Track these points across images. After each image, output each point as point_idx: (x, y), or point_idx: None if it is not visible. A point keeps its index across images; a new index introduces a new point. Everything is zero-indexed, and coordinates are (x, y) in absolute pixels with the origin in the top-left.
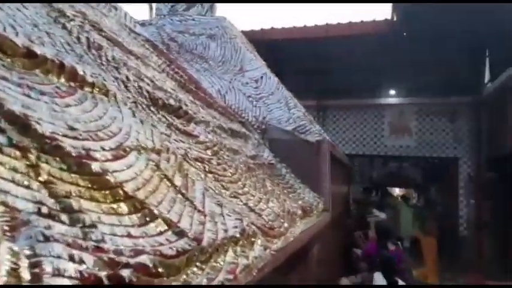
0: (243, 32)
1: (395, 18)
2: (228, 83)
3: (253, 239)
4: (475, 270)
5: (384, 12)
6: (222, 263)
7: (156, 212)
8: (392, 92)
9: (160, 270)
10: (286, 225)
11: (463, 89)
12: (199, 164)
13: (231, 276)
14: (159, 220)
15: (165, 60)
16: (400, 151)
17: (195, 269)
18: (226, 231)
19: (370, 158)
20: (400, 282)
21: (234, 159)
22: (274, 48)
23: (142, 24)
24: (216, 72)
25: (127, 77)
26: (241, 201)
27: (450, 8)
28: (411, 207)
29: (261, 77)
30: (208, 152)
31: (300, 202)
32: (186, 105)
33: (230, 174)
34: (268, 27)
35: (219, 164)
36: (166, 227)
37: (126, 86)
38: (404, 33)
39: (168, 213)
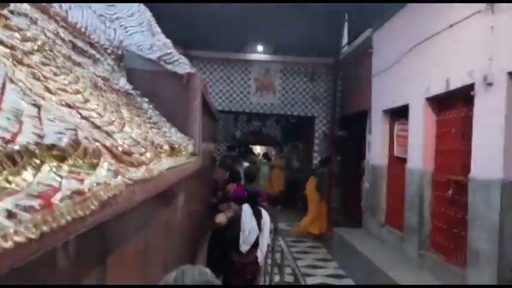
0: None
1: None
2: None
3: (95, 160)
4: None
5: None
6: (22, 183)
7: None
8: (259, 48)
9: None
10: (149, 155)
11: (323, 50)
12: (4, 49)
13: (36, 203)
14: None
15: None
16: (264, 109)
17: None
18: (40, 136)
19: (235, 115)
20: (263, 212)
21: (73, 69)
22: None
23: None
24: None
25: None
26: (80, 115)
27: None
28: (268, 165)
29: None
30: (28, 44)
31: (166, 138)
32: None
33: (66, 82)
34: None
35: (45, 64)
36: None
37: None
38: None
39: None
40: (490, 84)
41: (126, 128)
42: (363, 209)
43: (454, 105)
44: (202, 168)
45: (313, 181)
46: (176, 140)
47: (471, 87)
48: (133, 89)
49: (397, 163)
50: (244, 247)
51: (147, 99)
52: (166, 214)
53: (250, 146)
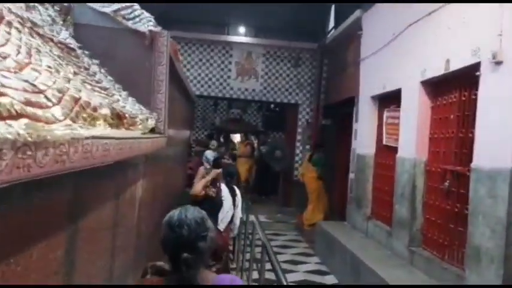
0: None
1: None
2: None
3: None
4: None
5: None
6: None
7: None
8: (241, 30)
9: None
10: (59, 112)
11: (309, 34)
12: None
13: None
14: None
15: None
16: (245, 94)
17: None
18: None
19: (215, 102)
20: (236, 190)
21: None
22: None
23: None
24: None
25: None
26: None
27: None
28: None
29: None
30: None
31: (115, 106)
32: None
33: None
34: None
35: None
36: None
37: None
38: None
39: None
40: (499, 63)
41: (29, 71)
42: (348, 201)
43: (454, 88)
44: (172, 152)
45: (313, 170)
46: (131, 110)
47: (476, 67)
48: (80, 47)
49: (386, 152)
50: (221, 225)
51: (98, 61)
52: (116, 206)
53: (230, 134)
